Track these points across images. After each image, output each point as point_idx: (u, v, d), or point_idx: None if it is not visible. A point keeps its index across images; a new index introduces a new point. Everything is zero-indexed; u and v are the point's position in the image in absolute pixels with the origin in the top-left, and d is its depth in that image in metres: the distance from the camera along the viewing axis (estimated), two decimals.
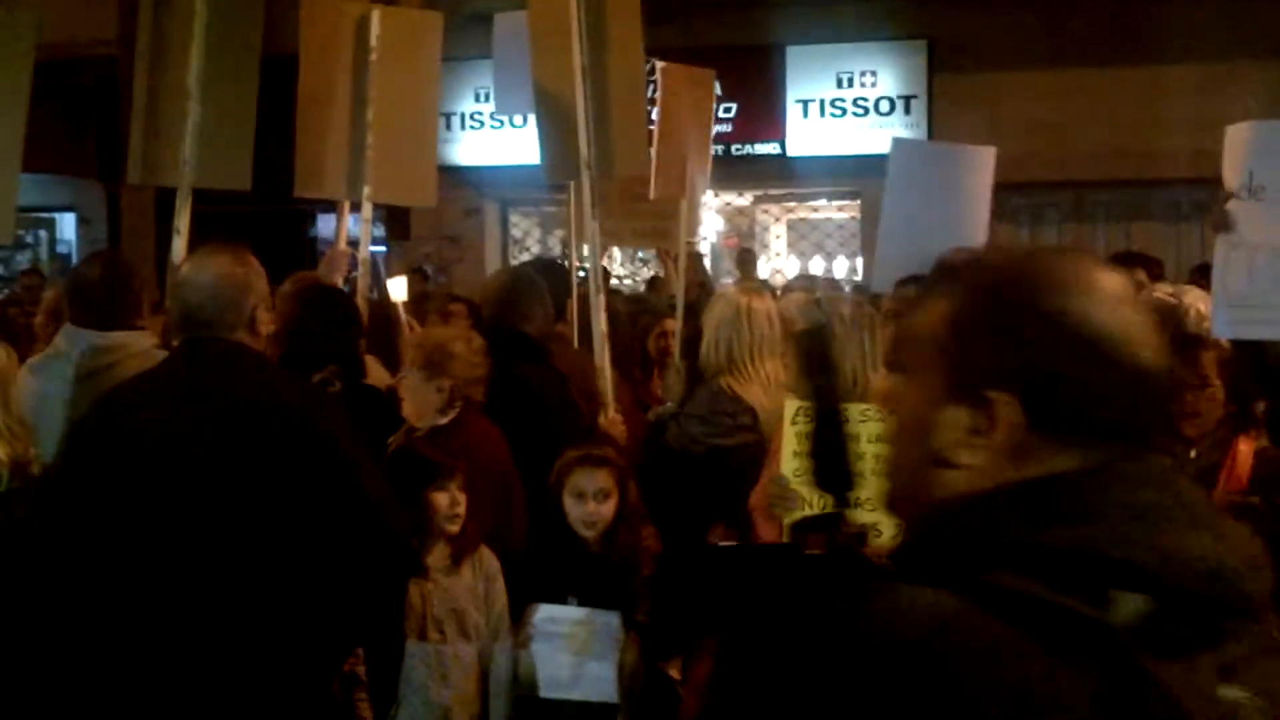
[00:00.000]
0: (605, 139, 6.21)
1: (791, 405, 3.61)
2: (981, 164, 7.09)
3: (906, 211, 6.82)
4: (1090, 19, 13.66)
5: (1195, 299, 4.99)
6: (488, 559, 4.39)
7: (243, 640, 3.42)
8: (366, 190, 7.02)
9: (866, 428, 3.47)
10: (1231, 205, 4.38)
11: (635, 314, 8.11)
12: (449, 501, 4.28)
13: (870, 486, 3.37)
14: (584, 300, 7.38)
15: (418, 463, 4.31)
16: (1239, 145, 4.42)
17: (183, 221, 6.09)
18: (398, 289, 7.47)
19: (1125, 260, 6.35)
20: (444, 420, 4.77)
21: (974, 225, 6.96)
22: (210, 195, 6.24)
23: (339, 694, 4.09)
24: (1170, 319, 5.03)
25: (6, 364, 4.13)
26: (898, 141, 7.67)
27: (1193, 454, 4.42)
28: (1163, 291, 5.15)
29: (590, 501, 4.40)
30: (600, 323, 6.04)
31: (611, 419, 5.68)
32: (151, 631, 3.42)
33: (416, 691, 4.18)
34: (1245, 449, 4.35)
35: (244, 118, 6.44)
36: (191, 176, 6.09)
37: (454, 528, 4.30)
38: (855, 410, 3.54)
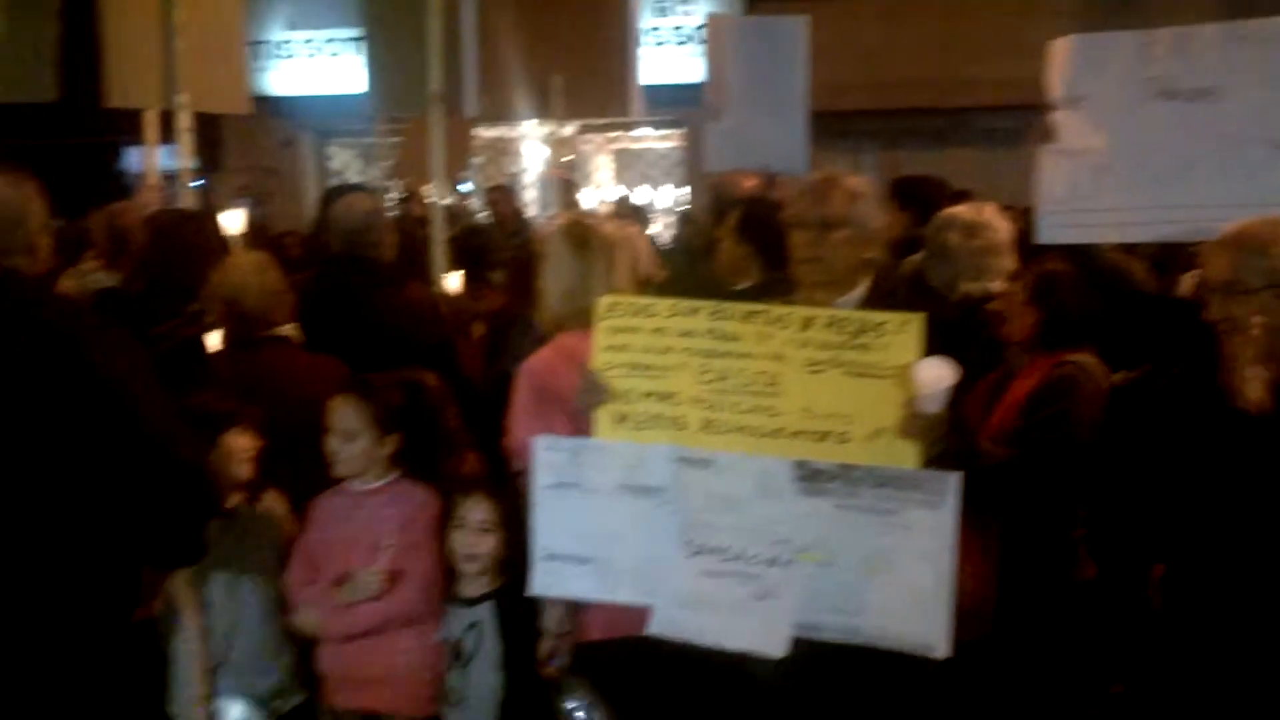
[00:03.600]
0: (456, 74, 6.12)
1: (604, 301, 3.61)
2: (796, 34, 7.18)
3: (729, 89, 6.88)
4: None
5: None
6: (277, 497, 4.33)
7: (27, 574, 3.32)
8: (182, 98, 6.79)
9: (675, 321, 3.52)
10: (1054, 116, 4.55)
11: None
12: (241, 446, 4.16)
13: (674, 379, 3.44)
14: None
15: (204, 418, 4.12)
16: (1060, 58, 4.61)
17: None
18: (233, 221, 7.23)
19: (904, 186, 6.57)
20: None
21: (796, 98, 7.07)
22: (8, 127, 5.93)
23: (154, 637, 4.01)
24: None
25: None
26: (712, 17, 7.74)
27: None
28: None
29: None
30: (440, 256, 5.99)
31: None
32: None
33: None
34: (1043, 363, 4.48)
35: (45, 21, 6.11)
36: None
37: (247, 471, 4.18)
38: (663, 305, 3.58)
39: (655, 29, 14.53)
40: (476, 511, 4.04)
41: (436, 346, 5.20)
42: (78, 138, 8.56)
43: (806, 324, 3.45)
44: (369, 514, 4.14)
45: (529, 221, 10.53)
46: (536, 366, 3.97)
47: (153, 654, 4.04)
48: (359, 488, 4.17)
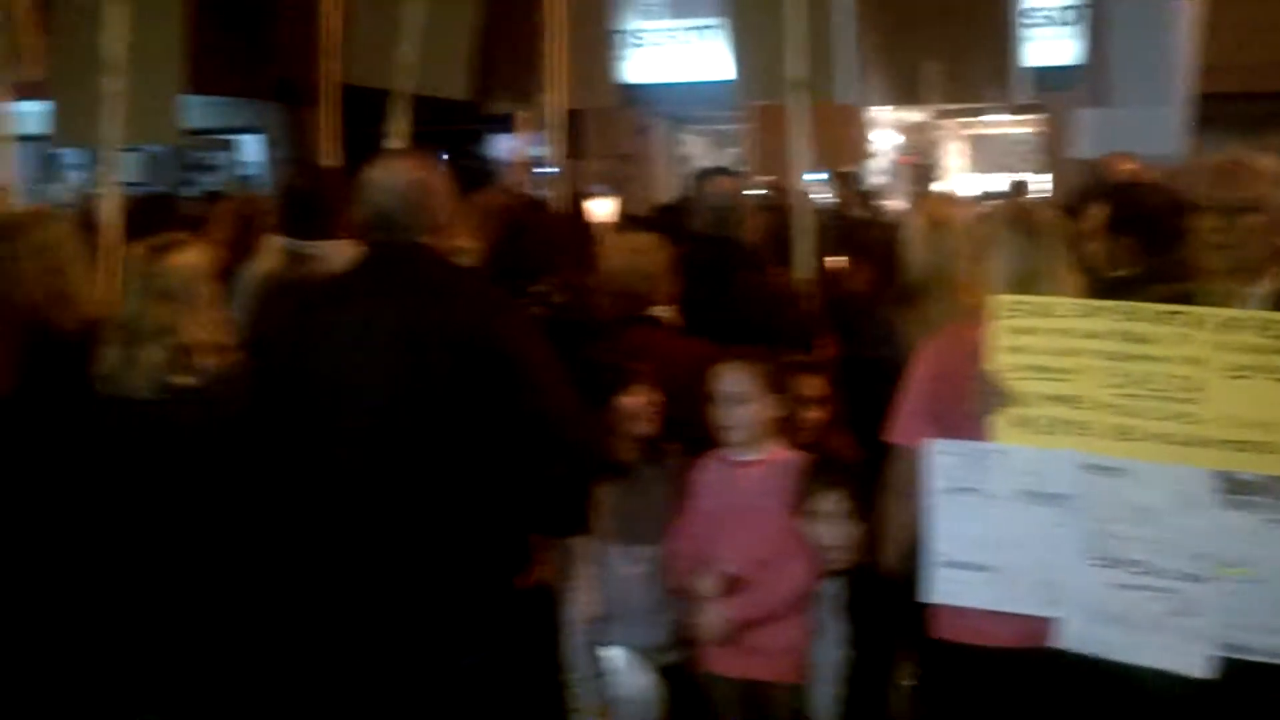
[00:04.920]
0: (822, 59, 6.00)
1: (1003, 301, 3.42)
2: (1179, 12, 6.88)
3: (1107, 72, 6.58)
4: None
5: None
6: (680, 456, 4.34)
7: (422, 537, 3.49)
8: (550, 96, 6.95)
9: (1079, 322, 3.33)
10: None
11: None
12: (640, 403, 4.21)
13: (1080, 383, 3.23)
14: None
15: (603, 370, 4.23)
16: None
17: (401, 125, 6.03)
18: (600, 207, 7.41)
19: None
20: None
21: (1175, 80, 6.71)
22: (377, 117, 6.15)
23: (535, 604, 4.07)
24: None
25: (198, 262, 4.04)
26: None
27: None
28: None
29: (806, 407, 4.38)
30: (805, 245, 5.93)
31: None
32: (342, 513, 3.55)
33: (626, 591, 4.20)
34: None
35: (465, 19, 6.31)
36: (411, 81, 6.01)
37: (648, 428, 4.23)
38: (1065, 305, 3.39)
39: (1020, 11, 14.02)
40: (833, 504, 4.01)
41: (793, 331, 5.18)
42: (453, 125, 8.98)
43: (1229, 326, 3.21)
44: (751, 486, 4.14)
45: (881, 208, 10.38)
46: (945, 353, 3.70)
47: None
48: (738, 458, 4.18)
